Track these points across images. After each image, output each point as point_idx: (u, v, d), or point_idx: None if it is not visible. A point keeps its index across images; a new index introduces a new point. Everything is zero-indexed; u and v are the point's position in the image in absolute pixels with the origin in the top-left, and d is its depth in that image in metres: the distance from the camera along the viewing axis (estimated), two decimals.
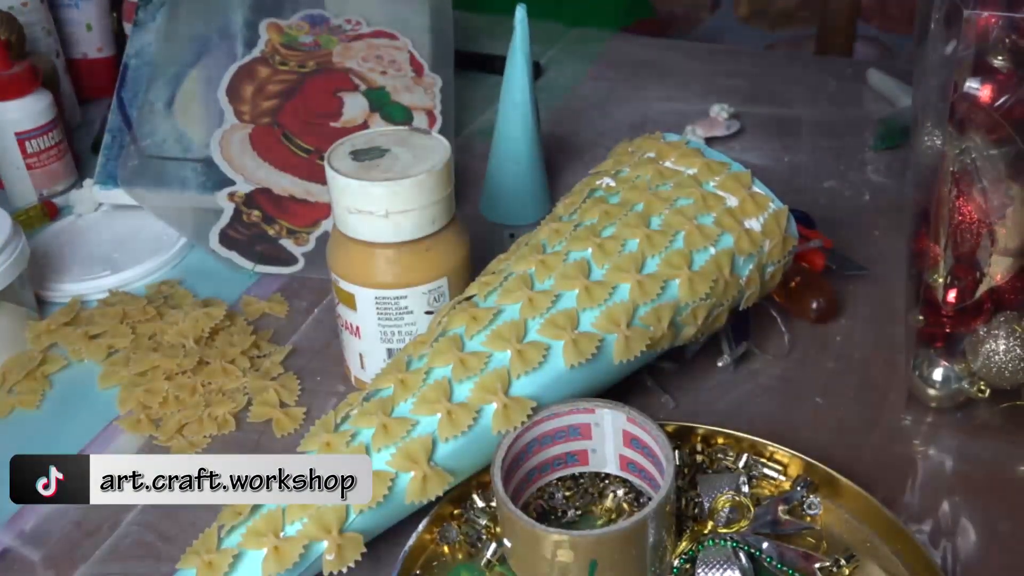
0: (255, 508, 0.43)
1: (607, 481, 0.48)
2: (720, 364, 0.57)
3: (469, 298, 0.49)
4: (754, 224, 0.50)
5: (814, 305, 0.60)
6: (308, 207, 0.70)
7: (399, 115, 0.75)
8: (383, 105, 0.76)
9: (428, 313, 0.52)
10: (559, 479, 0.48)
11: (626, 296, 0.47)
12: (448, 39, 0.84)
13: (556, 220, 0.52)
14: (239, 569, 0.41)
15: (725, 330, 0.58)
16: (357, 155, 0.51)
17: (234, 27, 0.79)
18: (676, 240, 0.48)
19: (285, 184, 0.70)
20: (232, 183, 0.69)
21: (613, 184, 0.52)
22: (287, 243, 0.67)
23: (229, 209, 0.68)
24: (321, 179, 0.70)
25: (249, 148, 0.71)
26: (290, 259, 0.67)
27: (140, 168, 0.70)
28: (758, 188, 0.51)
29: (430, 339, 0.47)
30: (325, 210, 0.69)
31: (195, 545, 0.43)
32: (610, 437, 0.47)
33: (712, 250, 0.49)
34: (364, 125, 0.74)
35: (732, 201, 0.50)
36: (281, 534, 0.42)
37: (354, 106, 0.76)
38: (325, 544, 0.41)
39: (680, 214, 0.49)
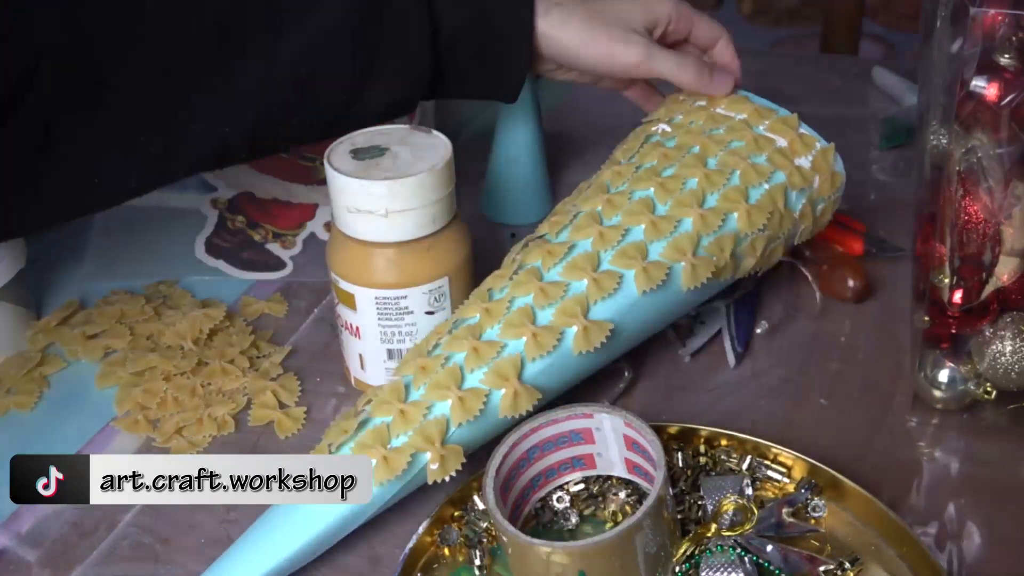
0: (361, 425, 0.45)
1: (610, 484, 0.48)
2: (732, 363, 0.56)
3: (540, 236, 0.52)
4: (803, 162, 0.54)
5: (850, 283, 0.61)
6: (292, 209, 0.70)
7: None
8: None
9: (428, 313, 0.51)
10: (565, 484, 0.48)
11: (690, 228, 0.50)
12: None
13: (616, 164, 0.55)
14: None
15: (728, 326, 0.58)
16: (357, 153, 0.51)
17: None
18: (732, 178, 0.52)
19: (267, 187, 0.70)
20: (214, 189, 0.70)
21: (669, 129, 0.56)
22: (274, 247, 0.67)
23: (213, 216, 0.68)
24: (303, 179, 0.71)
25: None
26: (278, 264, 0.66)
27: None
28: (804, 130, 0.55)
29: (507, 274, 0.50)
30: (309, 211, 0.69)
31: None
32: (612, 441, 0.46)
33: (766, 185, 0.52)
34: None
35: (781, 142, 0.54)
36: (388, 446, 0.45)
37: None
38: (428, 455, 0.44)
39: (735, 155, 0.53)
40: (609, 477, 0.48)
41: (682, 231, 0.50)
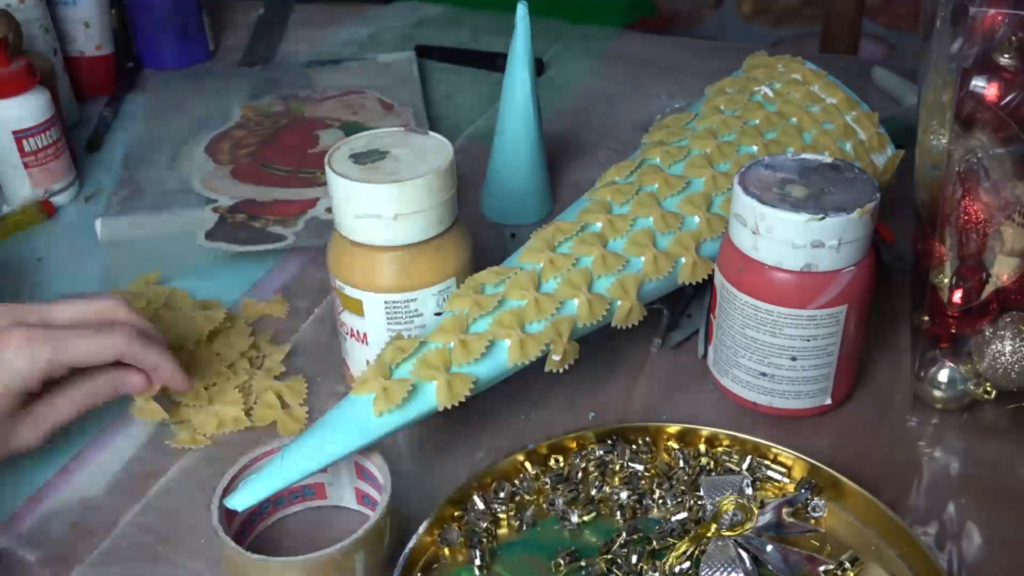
0: (499, 304, 0.48)
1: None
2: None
3: (652, 163, 0.56)
4: (878, 159, 0.60)
5: None
6: (293, 204, 0.71)
7: None
8: (359, 131, 0.81)
9: (437, 315, 0.51)
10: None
11: None
12: (414, 85, 0.88)
13: (719, 112, 0.59)
14: (416, 398, 0.45)
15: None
16: (357, 158, 0.50)
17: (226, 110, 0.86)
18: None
19: (268, 192, 0.72)
20: (215, 200, 0.71)
21: (771, 94, 0.61)
22: (275, 229, 0.68)
23: (214, 217, 0.69)
24: (303, 186, 0.73)
25: (231, 179, 0.74)
26: (278, 238, 0.67)
27: (144, 200, 0.72)
28: (881, 129, 0.60)
29: (630, 192, 0.53)
30: (311, 203, 0.70)
31: (367, 372, 0.46)
32: (344, 470, 0.47)
33: None
34: None
35: (862, 135, 0.59)
36: (524, 330, 0.47)
37: (330, 137, 0.80)
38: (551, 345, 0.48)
39: (826, 135, 0.58)
40: None
41: None
